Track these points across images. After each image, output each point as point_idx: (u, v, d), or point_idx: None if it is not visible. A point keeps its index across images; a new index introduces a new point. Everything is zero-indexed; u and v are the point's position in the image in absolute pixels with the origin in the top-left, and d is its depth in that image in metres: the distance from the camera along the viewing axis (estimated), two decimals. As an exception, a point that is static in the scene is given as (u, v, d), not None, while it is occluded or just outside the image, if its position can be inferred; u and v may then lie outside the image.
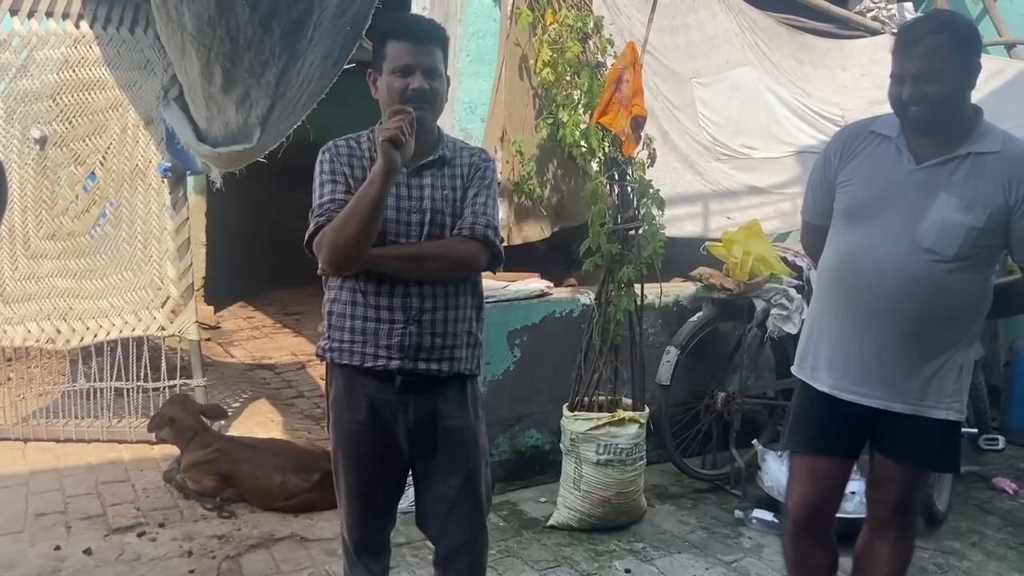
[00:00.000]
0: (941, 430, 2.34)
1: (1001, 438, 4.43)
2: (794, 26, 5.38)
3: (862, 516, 2.61)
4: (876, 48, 5.35)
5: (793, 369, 2.55)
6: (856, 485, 3.40)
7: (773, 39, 5.12)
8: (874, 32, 5.53)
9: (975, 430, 4.21)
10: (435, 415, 2.25)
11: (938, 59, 2.16)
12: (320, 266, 2.15)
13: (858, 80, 5.27)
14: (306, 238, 2.16)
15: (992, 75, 5.01)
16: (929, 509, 3.72)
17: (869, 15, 5.63)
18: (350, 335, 2.19)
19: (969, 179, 2.21)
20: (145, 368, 4.55)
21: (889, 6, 5.62)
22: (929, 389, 2.31)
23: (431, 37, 2.17)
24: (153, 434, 4.14)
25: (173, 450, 4.05)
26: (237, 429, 4.67)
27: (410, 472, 2.37)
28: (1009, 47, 5.41)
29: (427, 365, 2.19)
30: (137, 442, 4.40)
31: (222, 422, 4.44)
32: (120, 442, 4.42)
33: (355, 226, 2.05)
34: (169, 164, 4.28)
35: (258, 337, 7.03)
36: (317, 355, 2.31)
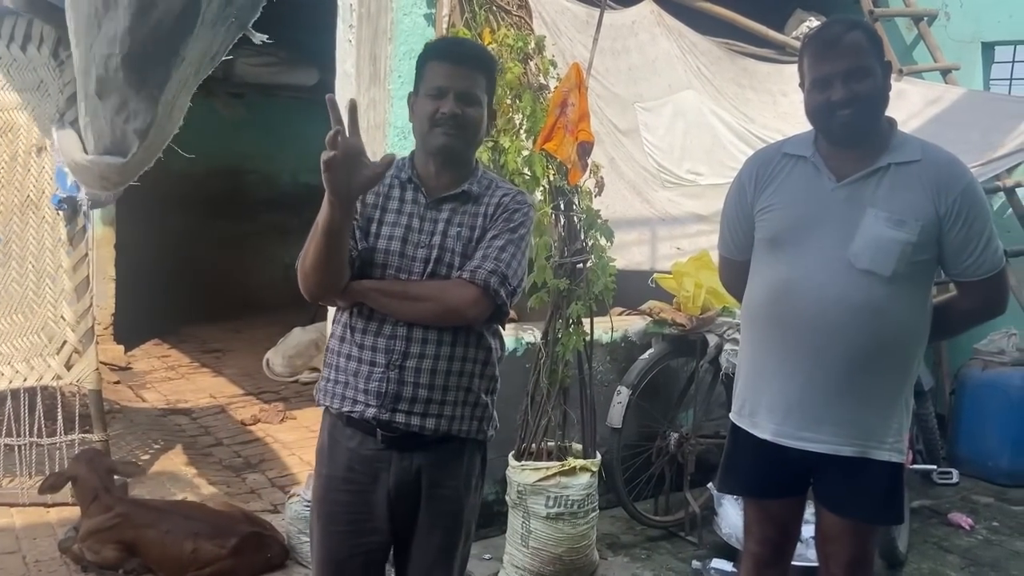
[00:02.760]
0: (886, 477, 2.19)
1: (955, 471, 4.33)
2: (733, 50, 5.29)
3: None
4: (815, 74, 5.29)
5: (731, 415, 2.37)
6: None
7: (714, 63, 5.01)
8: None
9: (932, 466, 4.09)
10: (419, 479, 2.01)
11: (864, 55, 2.08)
12: None
13: (798, 107, 5.16)
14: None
15: (931, 102, 4.99)
16: (892, 552, 3.60)
17: (806, 40, 5.57)
18: (335, 374, 2.03)
19: (895, 191, 2.10)
20: (39, 421, 4.07)
21: (825, 32, 5.58)
22: (875, 428, 2.16)
23: (472, 60, 1.99)
24: (47, 496, 3.70)
25: (71, 514, 3.61)
26: (146, 485, 4.22)
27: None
28: (944, 73, 5.40)
29: (407, 419, 1.96)
30: (31, 505, 3.93)
31: (128, 480, 4.00)
32: (11, 505, 3.94)
33: (312, 254, 1.89)
34: (64, 195, 3.86)
35: (173, 378, 6.55)
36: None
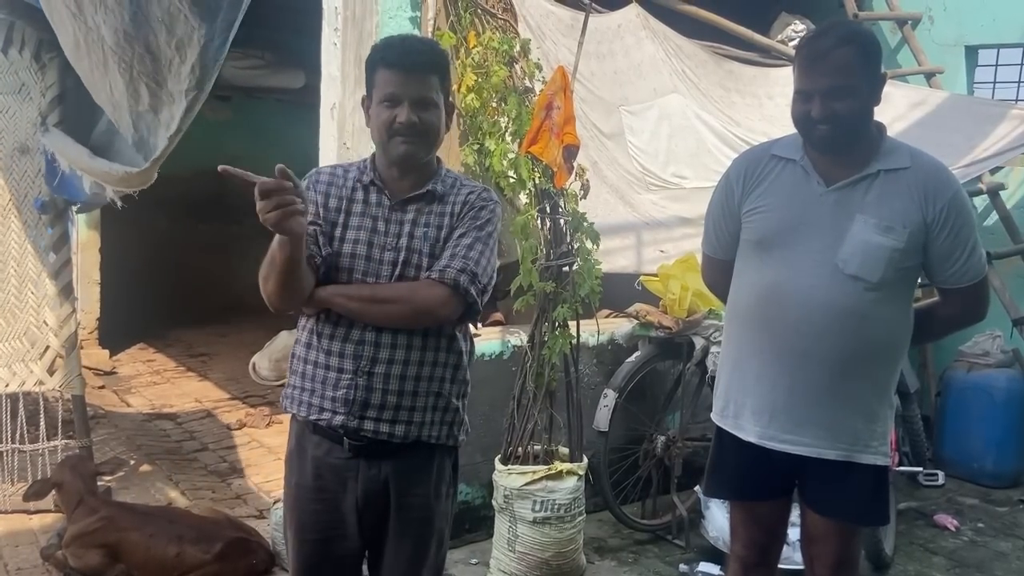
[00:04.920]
0: (871, 479, 2.19)
1: (940, 473, 4.33)
2: (719, 54, 5.30)
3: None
4: (800, 77, 5.30)
5: (714, 417, 2.36)
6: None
7: (699, 66, 5.01)
8: (797, 61, 5.49)
9: (918, 468, 4.10)
10: (387, 488, 1.99)
11: (848, 74, 2.04)
12: None
13: (784, 110, 5.18)
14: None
15: (915, 105, 5.01)
16: (877, 554, 3.60)
17: (791, 44, 5.58)
18: (301, 381, 2.01)
19: (883, 198, 2.09)
20: (22, 427, 4.03)
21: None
22: (859, 432, 2.16)
23: (423, 65, 1.94)
24: (30, 503, 3.66)
25: (54, 521, 3.57)
26: (130, 491, 4.18)
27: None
28: (928, 76, 5.43)
29: (375, 426, 1.94)
30: (13, 512, 3.88)
31: (111, 485, 3.96)
32: (-8, 512, 3.91)
33: (274, 281, 1.87)
34: (47, 199, 3.82)
35: (159, 383, 6.50)
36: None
